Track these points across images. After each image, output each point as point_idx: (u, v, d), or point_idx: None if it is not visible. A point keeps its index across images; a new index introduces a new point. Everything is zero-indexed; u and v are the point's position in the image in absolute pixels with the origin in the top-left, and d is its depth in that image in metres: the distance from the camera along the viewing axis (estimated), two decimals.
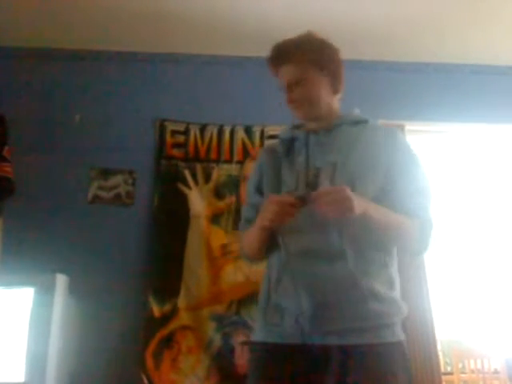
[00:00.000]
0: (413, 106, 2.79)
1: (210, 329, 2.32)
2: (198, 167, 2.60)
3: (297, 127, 1.46)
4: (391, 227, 1.26)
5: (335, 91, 1.41)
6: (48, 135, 2.62)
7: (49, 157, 2.57)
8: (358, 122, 1.41)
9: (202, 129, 2.69)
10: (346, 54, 2.71)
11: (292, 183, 1.32)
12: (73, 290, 2.08)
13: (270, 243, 1.34)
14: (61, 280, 1.99)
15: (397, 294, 1.27)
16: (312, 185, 1.26)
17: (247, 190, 1.51)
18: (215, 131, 2.68)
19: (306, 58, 1.36)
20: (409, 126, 2.76)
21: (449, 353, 2.50)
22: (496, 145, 2.88)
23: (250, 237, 1.36)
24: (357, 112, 1.47)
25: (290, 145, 1.42)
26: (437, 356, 2.33)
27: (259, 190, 1.43)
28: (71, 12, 2.54)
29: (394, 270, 1.30)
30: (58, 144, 2.61)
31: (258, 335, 1.31)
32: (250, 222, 1.40)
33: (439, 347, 2.41)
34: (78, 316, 2.14)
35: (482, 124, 2.83)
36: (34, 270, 2.03)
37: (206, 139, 2.67)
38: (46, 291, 1.88)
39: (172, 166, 2.61)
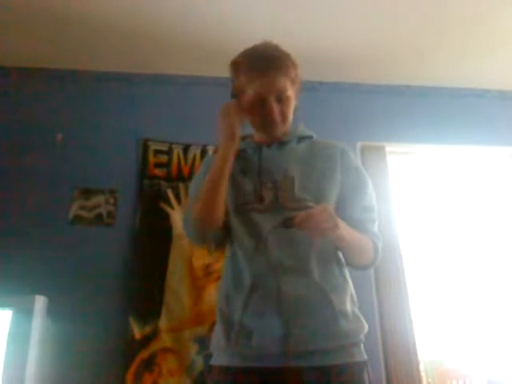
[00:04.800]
0: (392, 128, 2.84)
1: (192, 351, 2.27)
2: (181, 187, 2.59)
3: (242, 138, 1.41)
4: (355, 243, 1.26)
5: (293, 111, 1.38)
6: (29, 154, 2.60)
7: (29, 176, 2.54)
8: (305, 138, 1.41)
9: (186, 149, 2.70)
10: (327, 76, 2.79)
11: (243, 194, 1.30)
12: (52, 311, 2.04)
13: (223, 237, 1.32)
14: (39, 301, 1.94)
15: (357, 309, 1.27)
16: (273, 197, 1.26)
17: (196, 184, 1.42)
18: (198, 151, 2.69)
19: (290, 74, 1.32)
20: (389, 148, 2.82)
21: (432, 373, 2.49)
22: (472, 166, 2.95)
23: (207, 186, 1.28)
24: (302, 127, 1.44)
25: (237, 156, 1.38)
26: (419, 376, 2.32)
27: None
28: (53, 31, 2.54)
29: (352, 285, 1.30)
30: (38, 163, 2.58)
31: (219, 359, 1.23)
32: None
33: (422, 367, 2.40)
34: (57, 338, 2.08)
35: (461, 146, 2.90)
36: (11, 291, 1.98)
37: (190, 159, 2.68)
38: (24, 313, 1.83)
39: (154, 186, 2.59)
